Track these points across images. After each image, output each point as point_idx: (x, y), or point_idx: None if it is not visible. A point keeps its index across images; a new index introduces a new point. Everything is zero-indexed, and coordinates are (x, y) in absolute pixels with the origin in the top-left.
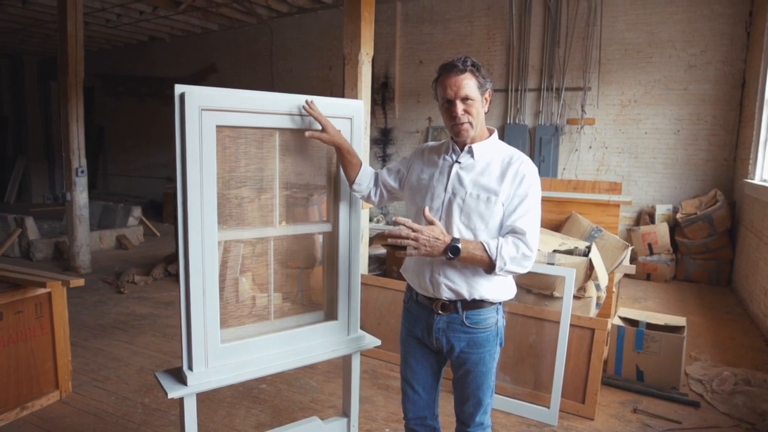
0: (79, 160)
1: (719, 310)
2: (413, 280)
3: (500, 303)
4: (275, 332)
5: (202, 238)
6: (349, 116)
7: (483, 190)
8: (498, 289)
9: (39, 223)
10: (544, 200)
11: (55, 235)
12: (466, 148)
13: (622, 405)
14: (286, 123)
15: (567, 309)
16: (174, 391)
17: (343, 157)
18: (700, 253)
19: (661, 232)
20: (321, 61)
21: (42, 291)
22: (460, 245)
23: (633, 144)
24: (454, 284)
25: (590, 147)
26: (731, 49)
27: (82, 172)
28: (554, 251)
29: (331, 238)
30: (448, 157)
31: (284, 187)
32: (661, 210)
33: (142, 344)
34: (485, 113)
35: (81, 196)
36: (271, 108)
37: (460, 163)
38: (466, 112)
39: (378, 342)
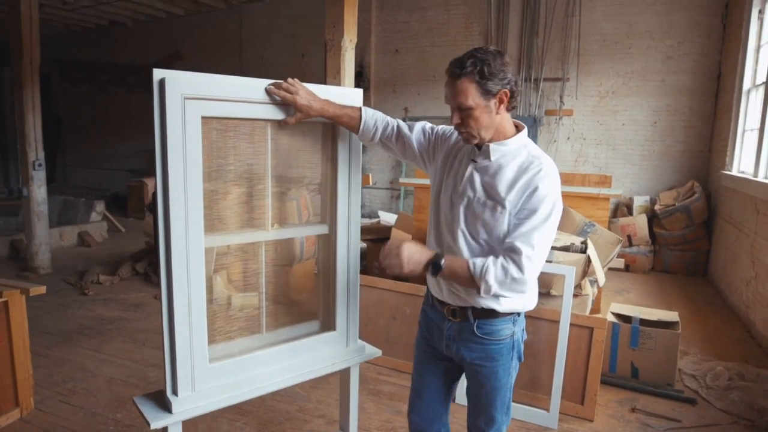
0: (36, 152)
1: (700, 302)
2: (429, 280)
3: (518, 314)
4: (268, 347)
5: (186, 246)
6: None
7: (490, 197)
8: (509, 299)
9: None
10: None
11: (10, 232)
12: (483, 147)
13: (620, 404)
14: (280, 113)
15: (567, 308)
16: (157, 421)
17: (338, 122)
18: (678, 245)
19: (639, 223)
20: (293, 48)
21: None
22: (442, 262)
23: (611, 135)
24: (456, 290)
25: (568, 138)
26: (708, 41)
27: (40, 165)
28: (551, 248)
29: (328, 242)
30: (468, 154)
31: (275, 183)
32: (639, 201)
33: (111, 352)
34: (509, 111)
35: (39, 191)
36: (263, 96)
37: (476, 162)
38: (463, 122)
39: (379, 352)
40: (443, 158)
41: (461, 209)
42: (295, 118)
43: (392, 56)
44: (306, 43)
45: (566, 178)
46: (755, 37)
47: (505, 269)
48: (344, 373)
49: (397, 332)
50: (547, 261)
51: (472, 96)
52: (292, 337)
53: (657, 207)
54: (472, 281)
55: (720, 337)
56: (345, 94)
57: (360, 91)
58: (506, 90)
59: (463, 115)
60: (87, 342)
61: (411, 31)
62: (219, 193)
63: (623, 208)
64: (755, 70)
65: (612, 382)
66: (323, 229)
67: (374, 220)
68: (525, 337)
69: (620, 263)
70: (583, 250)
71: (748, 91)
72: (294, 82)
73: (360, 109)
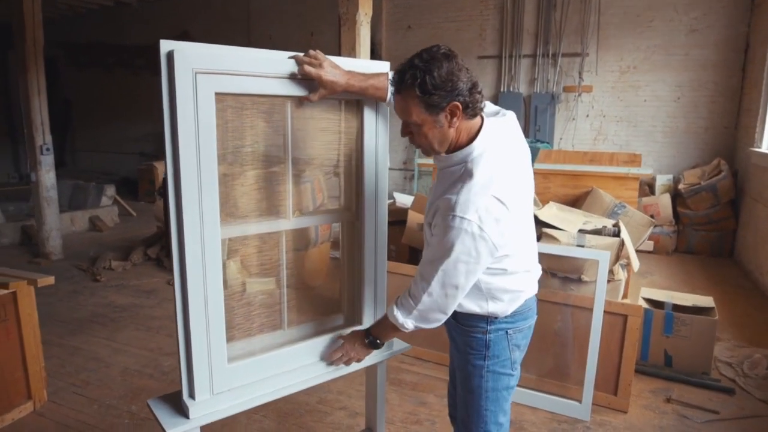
0: (43, 136)
1: (728, 284)
2: None
3: (495, 318)
4: (290, 344)
5: (202, 237)
6: None
7: (430, 206)
8: (472, 301)
9: (4, 204)
10: (558, 173)
11: (22, 217)
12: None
13: (654, 394)
14: (301, 89)
15: (601, 295)
16: (174, 427)
17: (364, 95)
18: (703, 224)
19: (663, 203)
20: (302, 26)
21: (4, 292)
22: (371, 332)
23: (632, 112)
24: None
25: (587, 115)
26: (734, 12)
27: (48, 149)
28: (580, 231)
29: (353, 230)
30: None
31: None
32: (662, 180)
33: (125, 340)
34: (471, 118)
35: (47, 176)
36: (283, 70)
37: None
38: (413, 137)
39: (408, 347)
40: None
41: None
42: (319, 94)
43: (404, 33)
44: (315, 20)
45: (593, 157)
46: None
47: (405, 298)
48: (371, 370)
49: None
50: (578, 245)
51: (417, 112)
52: (316, 332)
53: (681, 186)
54: (396, 328)
55: (752, 322)
56: (370, 68)
57: (387, 64)
58: (456, 103)
59: (411, 130)
60: (100, 330)
61: (423, 6)
62: (236, 177)
63: (645, 187)
64: None
65: (645, 370)
66: (348, 216)
67: (389, 202)
68: (510, 347)
69: (650, 245)
70: (617, 233)
71: None
72: (317, 54)
73: (386, 75)
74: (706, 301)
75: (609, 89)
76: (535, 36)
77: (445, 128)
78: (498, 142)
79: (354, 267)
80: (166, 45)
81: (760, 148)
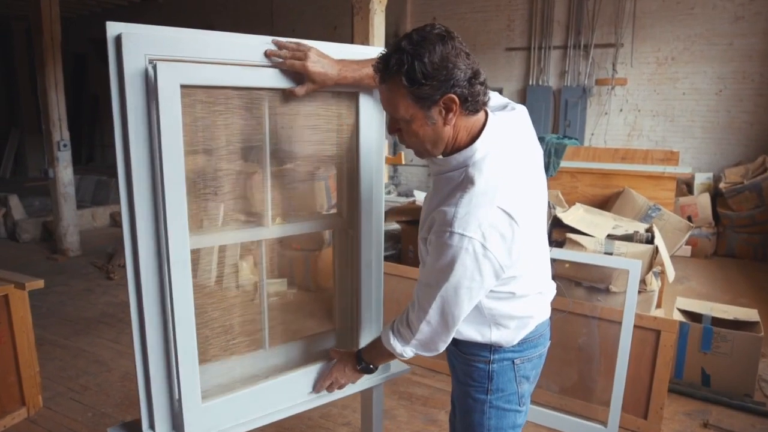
0: (60, 132)
1: None
2: None
3: (499, 347)
4: (274, 372)
5: (169, 247)
6: None
7: (421, 229)
8: (472, 327)
9: (30, 200)
10: (586, 172)
11: (45, 213)
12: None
13: (689, 417)
14: (286, 80)
15: (631, 309)
16: None
17: (360, 86)
18: (745, 227)
19: (702, 203)
20: (325, 20)
21: None
22: (363, 356)
23: (669, 106)
24: None
25: (621, 110)
26: None
27: (65, 145)
28: (609, 236)
29: (346, 238)
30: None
31: (278, 163)
32: (701, 179)
33: (129, 343)
34: (472, 114)
35: (65, 172)
36: (261, 57)
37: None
38: (401, 135)
39: (407, 369)
40: None
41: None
42: (306, 88)
43: None
44: (338, 14)
45: (625, 155)
46: None
47: (400, 322)
48: (365, 395)
49: None
50: (606, 253)
51: (404, 106)
52: (303, 353)
53: (722, 185)
54: (390, 353)
55: None
56: (365, 54)
57: (380, 49)
58: (451, 95)
59: (399, 126)
60: (107, 332)
61: None
62: (207, 181)
63: (683, 186)
64: None
65: (679, 390)
66: (339, 223)
67: (410, 200)
68: (517, 379)
69: (687, 251)
70: (650, 240)
71: None
72: (300, 43)
73: None
74: (750, 314)
75: (645, 82)
76: (566, 26)
77: (439, 126)
78: (505, 142)
79: (347, 280)
80: (113, 27)
81: None
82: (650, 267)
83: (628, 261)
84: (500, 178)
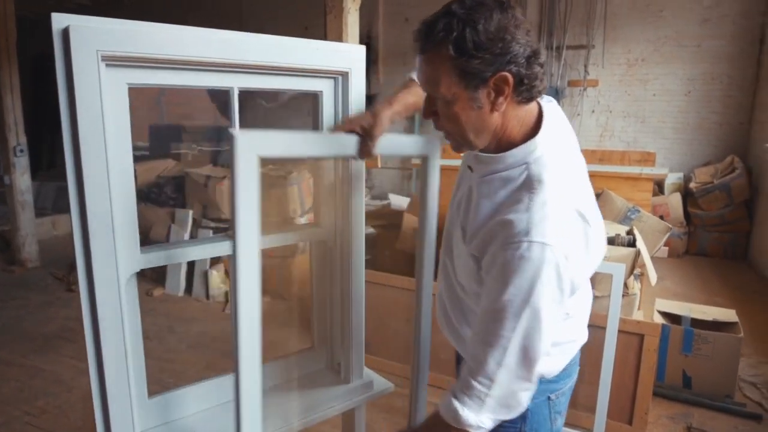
0: (17, 136)
1: (745, 290)
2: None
3: (538, 379)
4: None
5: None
6: (343, 69)
7: (462, 229)
8: None
9: None
10: None
11: (2, 222)
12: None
13: (672, 420)
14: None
15: (615, 314)
16: None
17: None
18: (716, 226)
19: (673, 203)
20: (296, 20)
21: None
22: None
23: (640, 107)
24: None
25: (593, 111)
26: (750, 1)
27: (21, 150)
28: None
29: (325, 251)
30: (466, 159)
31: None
32: (672, 179)
33: None
34: (524, 103)
35: (22, 178)
36: (229, 55)
37: (472, 170)
38: (438, 120)
39: (391, 387)
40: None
41: (446, 228)
42: (373, 147)
43: (402, 26)
44: (309, 14)
45: (602, 156)
46: None
47: (471, 399)
48: (347, 417)
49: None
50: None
51: (447, 82)
52: (275, 376)
53: (692, 185)
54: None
55: None
56: (339, 53)
57: (362, 49)
58: (505, 74)
59: (437, 109)
60: (67, 348)
61: None
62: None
63: (654, 187)
64: None
65: (661, 393)
66: (318, 234)
67: (384, 203)
68: (553, 419)
69: (664, 252)
70: (632, 243)
71: None
72: (348, 120)
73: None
74: (729, 314)
75: (616, 83)
76: (538, 27)
77: (486, 111)
78: (561, 137)
79: (326, 295)
80: (60, 19)
81: None
82: (632, 270)
83: (611, 265)
84: (567, 176)
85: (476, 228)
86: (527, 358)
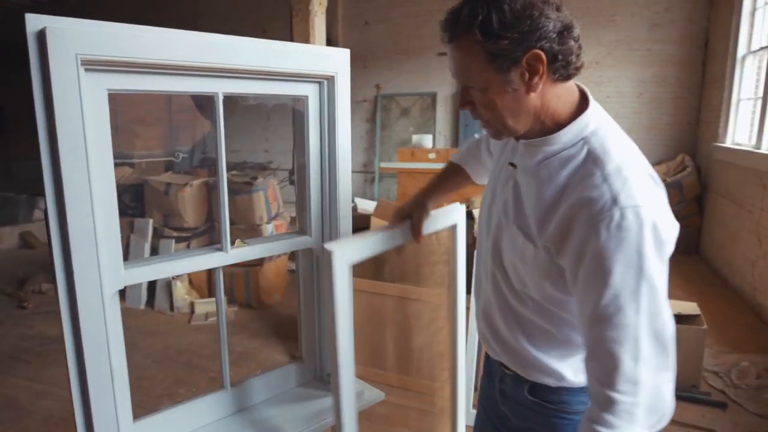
0: None
1: (700, 282)
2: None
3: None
4: (236, 413)
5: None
6: (329, 73)
7: (520, 225)
8: (562, 359)
9: None
10: None
11: None
12: (520, 142)
13: None
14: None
15: None
16: None
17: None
18: None
19: None
20: (253, 23)
21: None
22: None
23: None
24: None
25: None
26: (695, 7)
27: None
28: None
29: (312, 260)
30: (507, 152)
31: (237, 171)
32: None
33: (51, 380)
34: (563, 80)
35: None
36: (211, 59)
37: (514, 166)
38: (474, 109)
39: (381, 396)
40: (496, 158)
41: (491, 239)
42: (419, 238)
43: (361, 29)
44: (266, 16)
45: None
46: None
47: (616, 416)
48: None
49: (393, 343)
50: None
51: (478, 69)
52: (265, 390)
53: None
54: None
55: (731, 324)
56: (323, 57)
57: (347, 53)
58: (537, 51)
59: (471, 98)
60: (23, 369)
61: (382, 1)
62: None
63: None
64: (750, 36)
65: None
66: (305, 242)
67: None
68: None
69: None
70: None
71: (743, 58)
72: (408, 210)
73: (457, 163)
74: (691, 307)
75: None
76: None
77: (521, 93)
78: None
79: (313, 306)
80: (35, 21)
81: (723, 143)
82: None
83: None
84: (629, 144)
85: (542, 215)
86: (661, 342)
